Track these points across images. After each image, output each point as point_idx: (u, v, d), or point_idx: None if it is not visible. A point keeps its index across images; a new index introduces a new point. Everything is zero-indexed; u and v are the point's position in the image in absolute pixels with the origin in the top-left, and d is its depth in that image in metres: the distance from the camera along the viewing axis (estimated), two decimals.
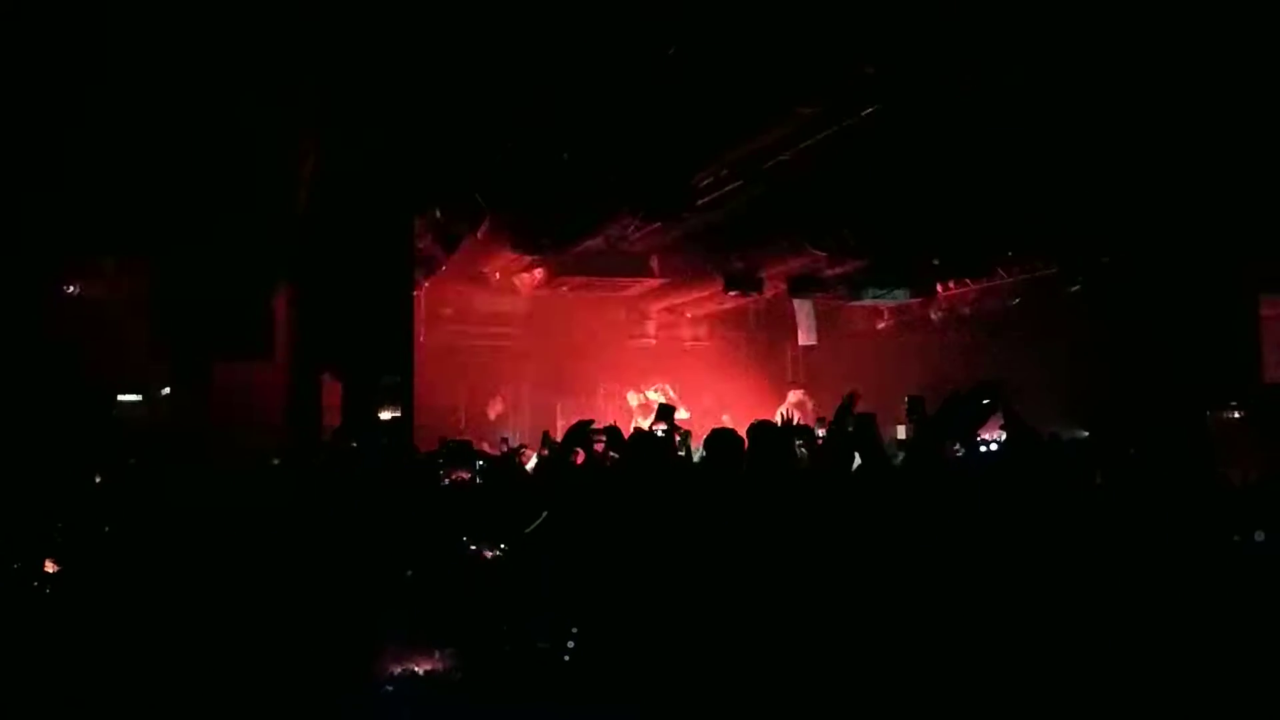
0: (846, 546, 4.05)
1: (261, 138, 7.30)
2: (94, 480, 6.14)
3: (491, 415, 13.43)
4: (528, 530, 4.92)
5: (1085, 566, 3.72)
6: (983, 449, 7.29)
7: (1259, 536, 3.99)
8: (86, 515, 5.15)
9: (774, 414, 11.57)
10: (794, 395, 12.29)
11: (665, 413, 9.06)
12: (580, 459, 5.50)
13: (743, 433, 5.09)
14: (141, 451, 7.29)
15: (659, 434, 7.99)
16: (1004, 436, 7.01)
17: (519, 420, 13.85)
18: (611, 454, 5.96)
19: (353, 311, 8.09)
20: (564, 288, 12.41)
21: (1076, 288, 9.98)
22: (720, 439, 5.59)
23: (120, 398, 9.11)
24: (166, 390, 8.81)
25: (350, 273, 8.15)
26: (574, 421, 5.99)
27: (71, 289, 9.33)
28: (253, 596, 4.25)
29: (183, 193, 7.66)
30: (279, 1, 5.76)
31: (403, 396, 8.02)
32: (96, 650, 3.99)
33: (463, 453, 6.94)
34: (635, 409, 12.56)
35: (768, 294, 12.13)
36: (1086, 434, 8.08)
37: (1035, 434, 4.79)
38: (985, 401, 4.72)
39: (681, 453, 9.26)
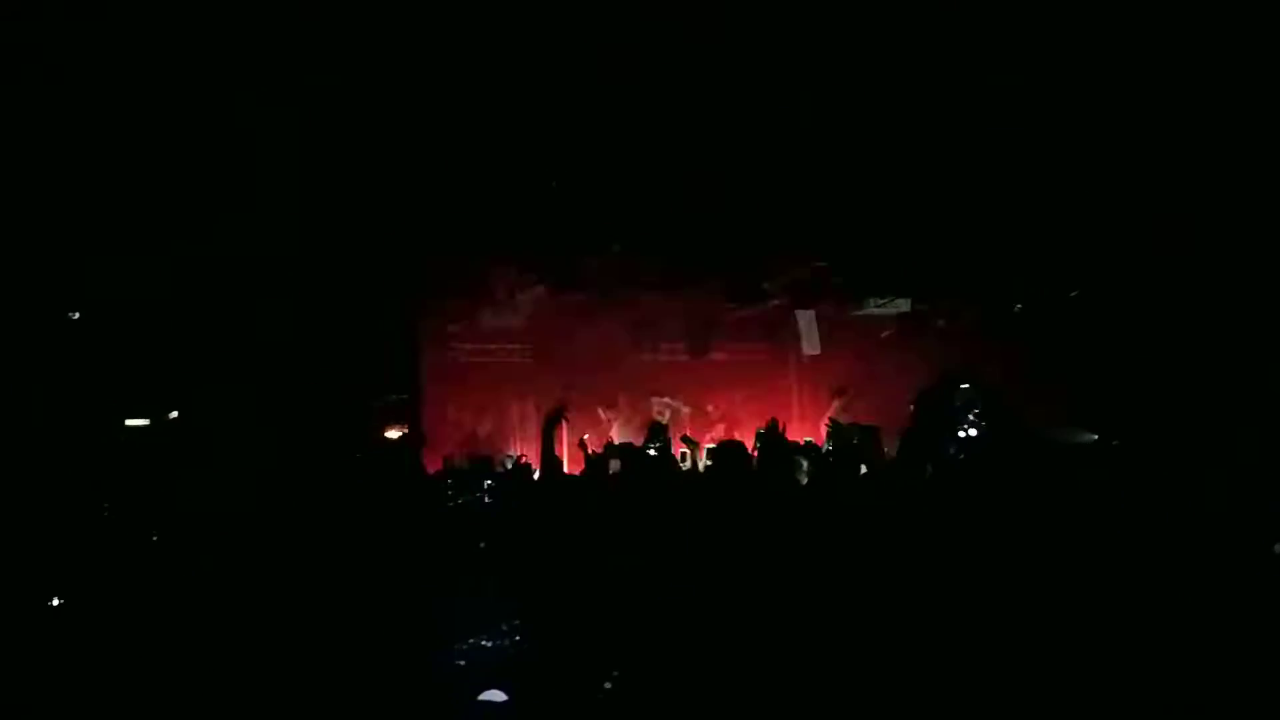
0: (850, 553, 4.08)
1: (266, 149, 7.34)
2: (101, 508, 6.15)
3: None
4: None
5: (1073, 562, 3.74)
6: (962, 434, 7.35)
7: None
8: (94, 541, 5.18)
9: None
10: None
11: (657, 432, 9.14)
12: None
13: (748, 441, 5.13)
14: (149, 477, 7.30)
15: (651, 453, 8.01)
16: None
17: (527, 435, 13.84)
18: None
19: (358, 330, 8.12)
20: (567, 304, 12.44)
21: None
22: (725, 451, 5.63)
23: (127, 422, 9.12)
24: (174, 414, 8.83)
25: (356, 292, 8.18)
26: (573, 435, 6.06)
27: (75, 314, 9.35)
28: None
29: (182, 208, 7.69)
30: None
31: (410, 415, 8.06)
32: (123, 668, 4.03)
33: (471, 473, 6.95)
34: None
35: (770, 305, 12.17)
36: (1095, 438, 8.06)
37: (1018, 423, 4.82)
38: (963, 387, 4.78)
39: (687, 464, 9.29)
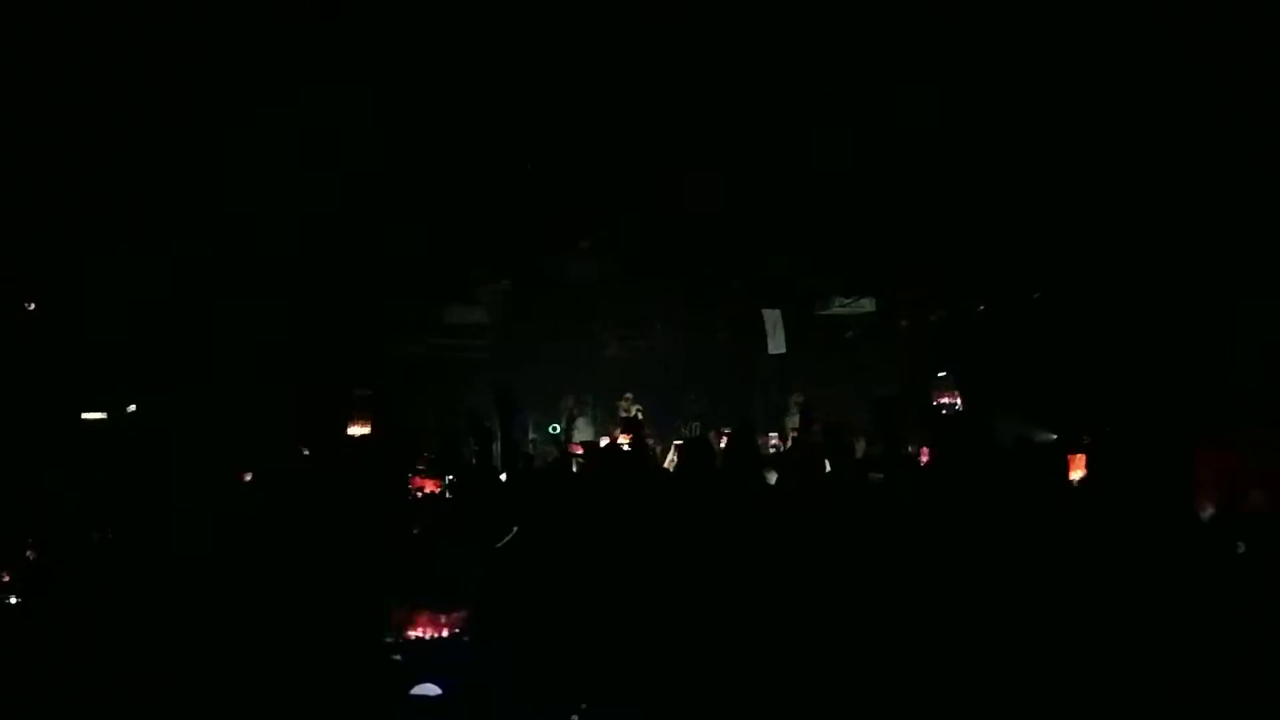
0: (820, 549, 4.10)
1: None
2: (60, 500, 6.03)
3: None
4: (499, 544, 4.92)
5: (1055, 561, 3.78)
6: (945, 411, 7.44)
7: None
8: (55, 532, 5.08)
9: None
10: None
11: (632, 426, 9.12)
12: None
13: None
14: (107, 470, 7.17)
15: (624, 447, 8.01)
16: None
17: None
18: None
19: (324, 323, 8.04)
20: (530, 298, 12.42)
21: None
22: (694, 447, 5.64)
23: (84, 415, 8.95)
24: (132, 407, 8.69)
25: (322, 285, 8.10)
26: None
27: (31, 305, 9.17)
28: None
29: (150, 204, 7.59)
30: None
31: (375, 409, 7.96)
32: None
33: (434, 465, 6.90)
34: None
35: (736, 303, 12.21)
36: (1055, 437, 8.16)
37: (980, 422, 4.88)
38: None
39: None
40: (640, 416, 10.70)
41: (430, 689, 3.89)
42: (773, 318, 12.39)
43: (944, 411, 7.72)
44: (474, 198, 8.88)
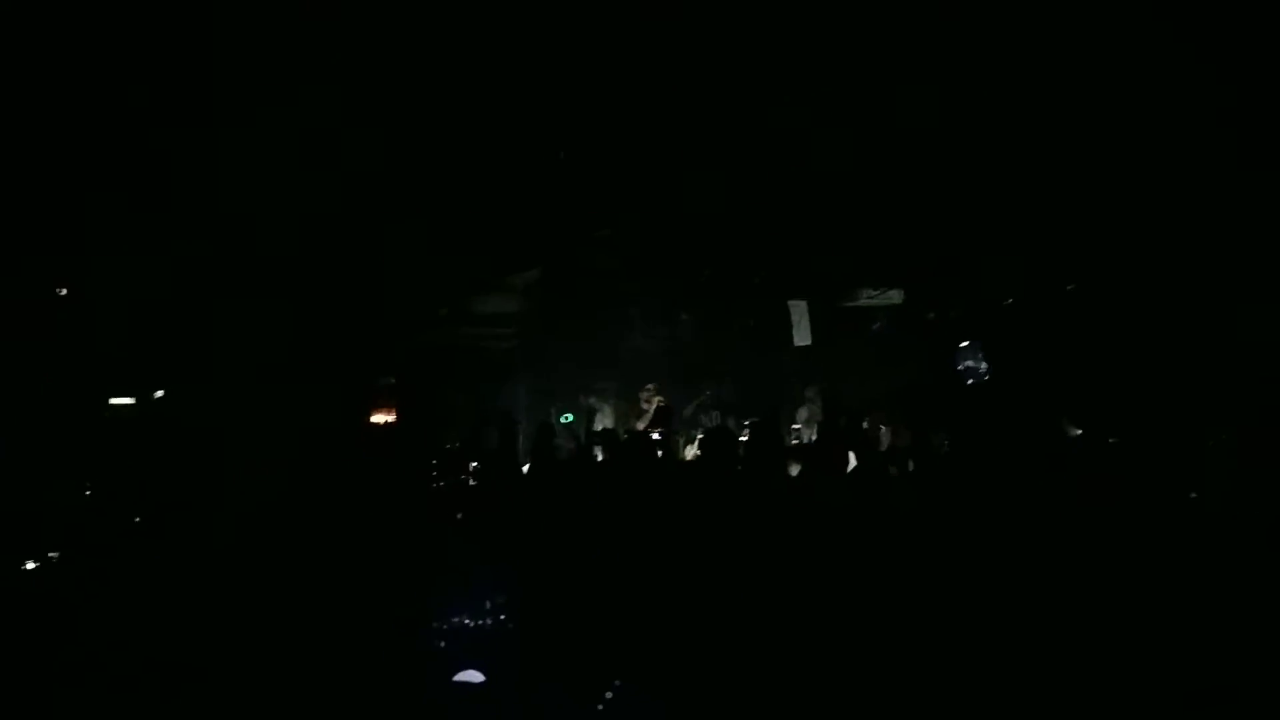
0: (839, 539, 4.07)
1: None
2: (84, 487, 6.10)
3: None
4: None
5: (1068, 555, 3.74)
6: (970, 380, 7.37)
7: None
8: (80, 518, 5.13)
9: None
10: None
11: (664, 417, 9.12)
12: None
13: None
14: (135, 457, 7.24)
15: (655, 438, 8.01)
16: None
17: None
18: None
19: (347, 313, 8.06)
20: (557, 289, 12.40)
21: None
22: (717, 437, 5.61)
23: (112, 401, 9.04)
24: (160, 393, 8.75)
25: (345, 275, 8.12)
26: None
27: (62, 290, 9.25)
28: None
29: (175, 191, 7.62)
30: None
31: (399, 398, 8.01)
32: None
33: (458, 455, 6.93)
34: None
35: (762, 295, 12.15)
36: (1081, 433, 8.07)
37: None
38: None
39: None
40: (664, 407, 10.69)
41: (474, 675, 3.94)
42: (799, 309, 12.32)
43: (969, 380, 7.64)
44: (501, 186, 8.87)
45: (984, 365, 7.71)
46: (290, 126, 7.18)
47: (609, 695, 3.77)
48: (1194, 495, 4.13)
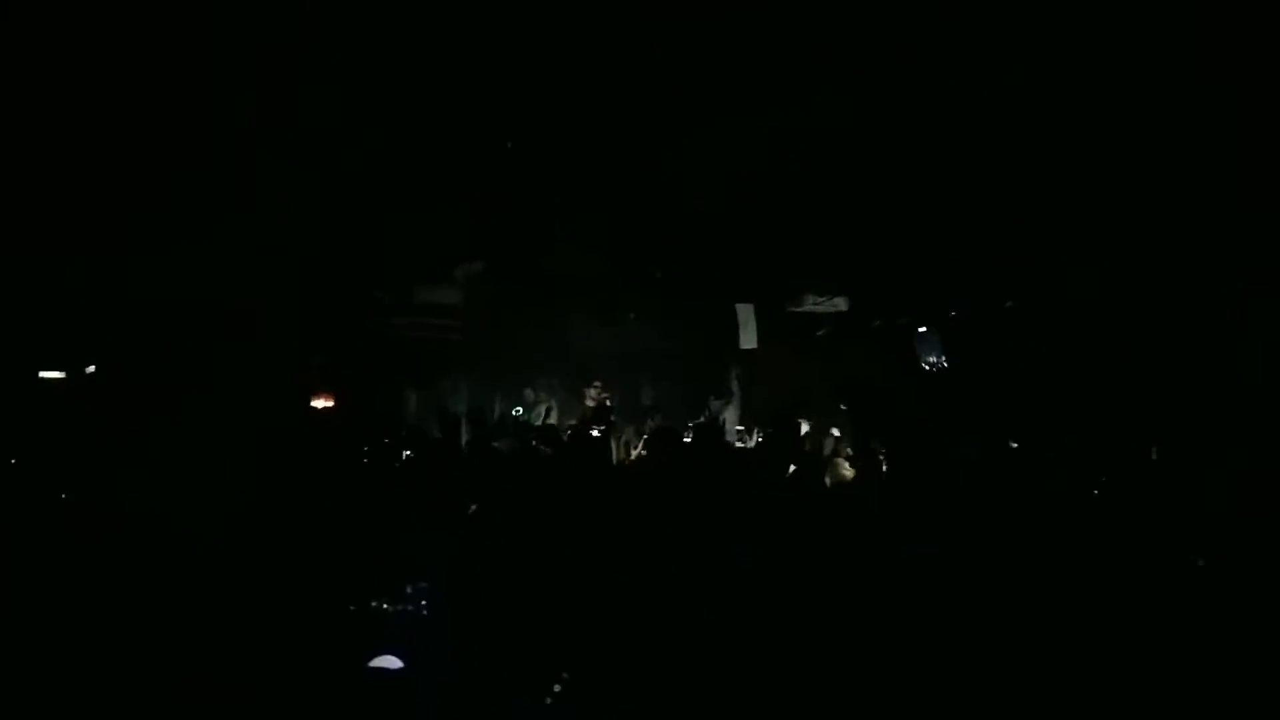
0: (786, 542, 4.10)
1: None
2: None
3: None
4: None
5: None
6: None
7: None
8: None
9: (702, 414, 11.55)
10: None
11: (601, 414, 9.13)
12: None
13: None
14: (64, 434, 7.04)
15: (595, 434, 8.00)
16: None
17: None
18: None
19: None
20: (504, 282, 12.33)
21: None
22: (661, 437, 5.62)
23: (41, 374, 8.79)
24: (91, 368, 8.54)
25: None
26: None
27: None
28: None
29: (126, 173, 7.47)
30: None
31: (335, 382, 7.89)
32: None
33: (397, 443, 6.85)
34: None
35: (709, 297, 12.21)
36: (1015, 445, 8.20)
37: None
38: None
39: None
40: (609, 404, 10.70)
41: (391, 661, 3.89)
42: (745, 312, 12.39)
43: (929, 368, 7.71)
44: (451, 176, 8.80)
45: (941, 356, 7.84)
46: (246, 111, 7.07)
47: (557, 688, 3.74)
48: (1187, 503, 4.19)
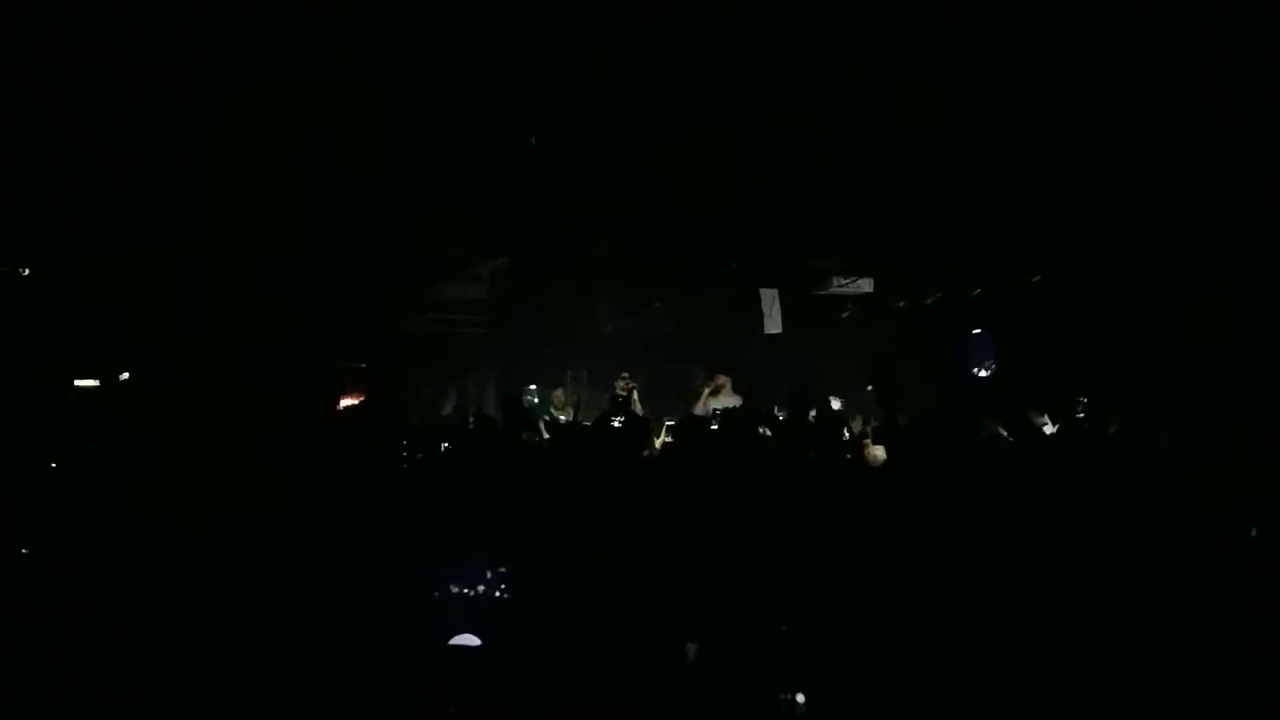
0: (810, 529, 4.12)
1: None
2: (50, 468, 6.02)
3: None
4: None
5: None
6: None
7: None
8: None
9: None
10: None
11: (619, 406, 9.14)
12: None
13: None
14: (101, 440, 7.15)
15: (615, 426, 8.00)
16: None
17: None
18: None
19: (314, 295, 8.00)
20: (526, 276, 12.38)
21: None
22: (685, 428, 5.63)
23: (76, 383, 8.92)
24: (125, 375, 8.65)
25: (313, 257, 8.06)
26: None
27: (24, 270, 9.12)
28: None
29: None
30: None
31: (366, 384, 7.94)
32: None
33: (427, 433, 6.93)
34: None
35: (734, 282, 12.20)
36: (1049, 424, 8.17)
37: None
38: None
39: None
40: (635, 396, 10.68)
41: (470, 639, 4.08)
42: (769, 297, 12.37)
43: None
44: (470, 173, 8.83)
45: (991, 361, 7.80)
46: (258, 110, 7.11)
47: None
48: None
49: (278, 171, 7.93)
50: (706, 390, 10.69)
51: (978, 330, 8.02)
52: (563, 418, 10.89)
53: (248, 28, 6.12)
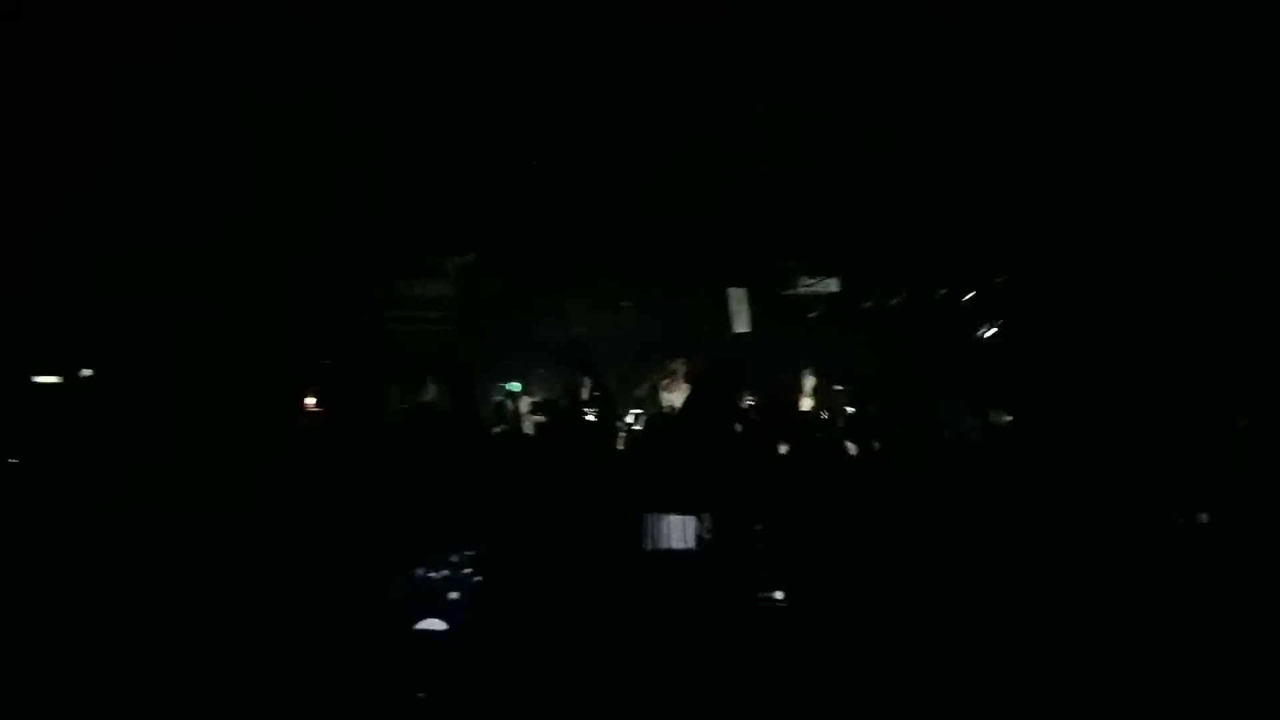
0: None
1: None
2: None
3: None
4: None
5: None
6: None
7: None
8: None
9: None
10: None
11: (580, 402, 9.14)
12: None
13: None
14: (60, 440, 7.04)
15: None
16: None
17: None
18: None
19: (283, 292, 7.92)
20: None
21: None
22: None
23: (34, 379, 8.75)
24: (87, 371, 8.50)
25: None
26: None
27: None
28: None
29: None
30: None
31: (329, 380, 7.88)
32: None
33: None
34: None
35: (702, 282, 12.23)
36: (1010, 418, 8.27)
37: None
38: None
39: None
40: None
41: (435, 624, 4.08)
42: (737, 297, 12.42)
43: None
44: (441, 170, 8.80)
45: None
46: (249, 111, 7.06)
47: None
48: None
49: (271, 171, 7.87)
50: (663, 382, 10.67)
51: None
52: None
53: (246, 27, 6.08)
